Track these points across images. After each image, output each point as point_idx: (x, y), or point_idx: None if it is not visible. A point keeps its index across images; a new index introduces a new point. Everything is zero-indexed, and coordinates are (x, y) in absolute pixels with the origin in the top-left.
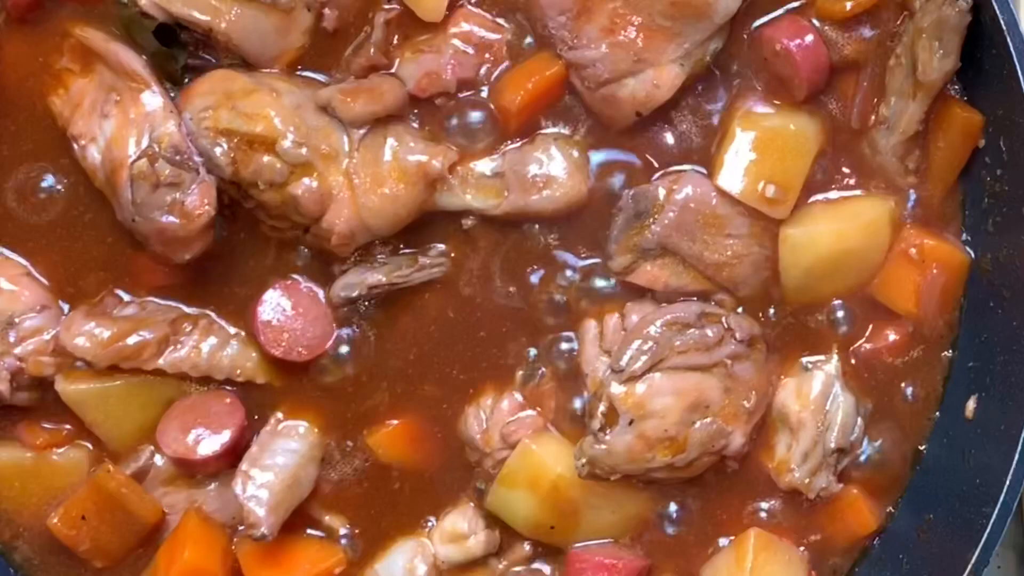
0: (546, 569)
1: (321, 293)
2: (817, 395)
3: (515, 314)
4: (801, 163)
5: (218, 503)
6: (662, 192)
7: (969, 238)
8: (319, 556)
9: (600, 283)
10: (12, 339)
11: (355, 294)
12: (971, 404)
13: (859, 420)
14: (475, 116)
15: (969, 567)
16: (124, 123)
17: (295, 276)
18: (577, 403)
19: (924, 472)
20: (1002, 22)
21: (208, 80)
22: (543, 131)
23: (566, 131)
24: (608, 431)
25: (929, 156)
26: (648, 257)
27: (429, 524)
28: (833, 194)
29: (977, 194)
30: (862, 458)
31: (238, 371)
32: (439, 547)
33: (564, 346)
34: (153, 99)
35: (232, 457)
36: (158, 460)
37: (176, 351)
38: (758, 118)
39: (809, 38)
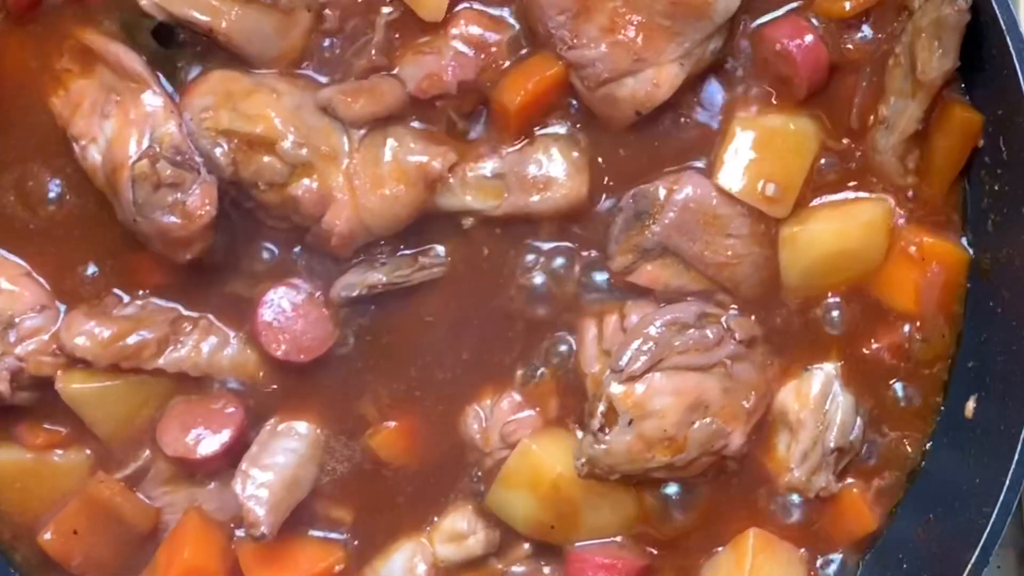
0: (546, 569)
1: (321, 294)
2: (816, 395)
3: (515, 314)
4: (801, 162)
5: (218, 502)
6: (662, 192)
7: (969, 238)
8: (319, 555)
9: (600, 283)
10: (12, 339)
11: (355, 294)
12: (971, 404)
13: (858, 420)
14: (475, 117)
15: (969, 567)
16: (124, 123)
17: (295, 277)
18: (576, 403)
19: (924, 472)
20: (1002, 22)
21: (208, 80)
22: (543, 132)
23: (566, 132)
24: (607, 431)
25: (929, 156)
26: (648, 257)
27: (429, 524)
28: (833, 194)
29: (977, 194)
30: (862, 458)
31: (238, 371)
32: (439, 547)
33: (564, 346)
34: (154, 99)
35: (232, 457)
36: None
37: (176, 351)
38: (758, 118)
39: (809, 38)
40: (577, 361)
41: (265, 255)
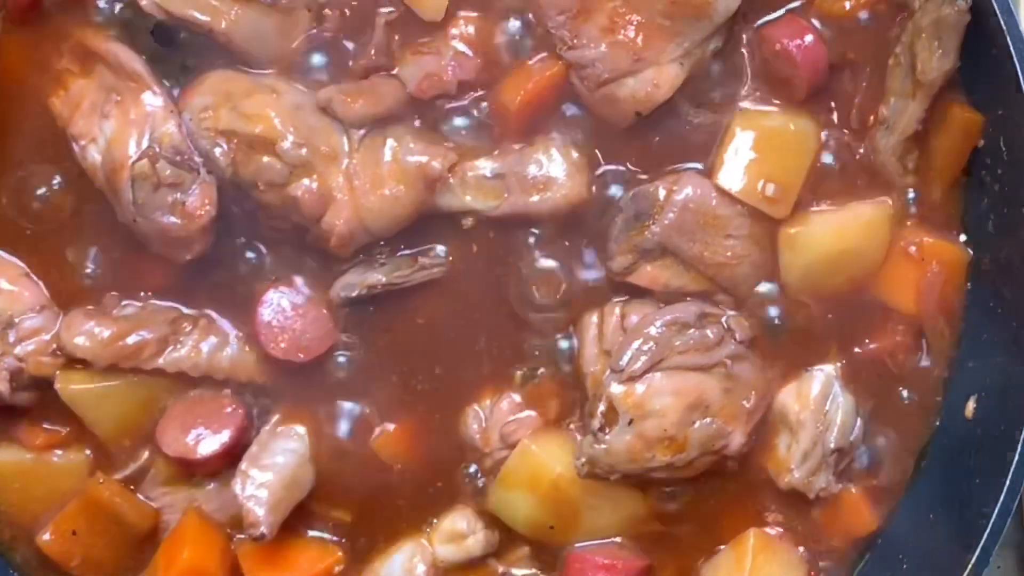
0: (545, 570)
1: (321, 294)
2: (817, 395)
3: (514, 314)
4: (801, 162)
5: (217, 503)
6: (662, 192)
7: (969, 238)
8: (318, 556)
9: (600, 283)
10: (12, 339)
11: (355, 294)
12: (971, 404)
13: (859, 420)
14: (475, 117)
15: (969, 567)
16: (124, 124)
17: (295, 277)
18: (576, 403)
19: (924, 472)
20: (1002, 22)
21: (208, 80)
22: (543, 132)
23: (566, 132)
24: (608, 431)
25: (929, 156)
26: (648, 258)
27: (429, 524)
28: (832, 194)
29: (977, 194)
30: (862, 458)
31: (238, 371)
32: (438, 547)
33: (564, 346)
34: (153, 99)
35: (232, 457)
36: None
37: (176, 351)
38: (758, 118)
39: (809, 38)
40: (577, 361)
41: (264, 255)
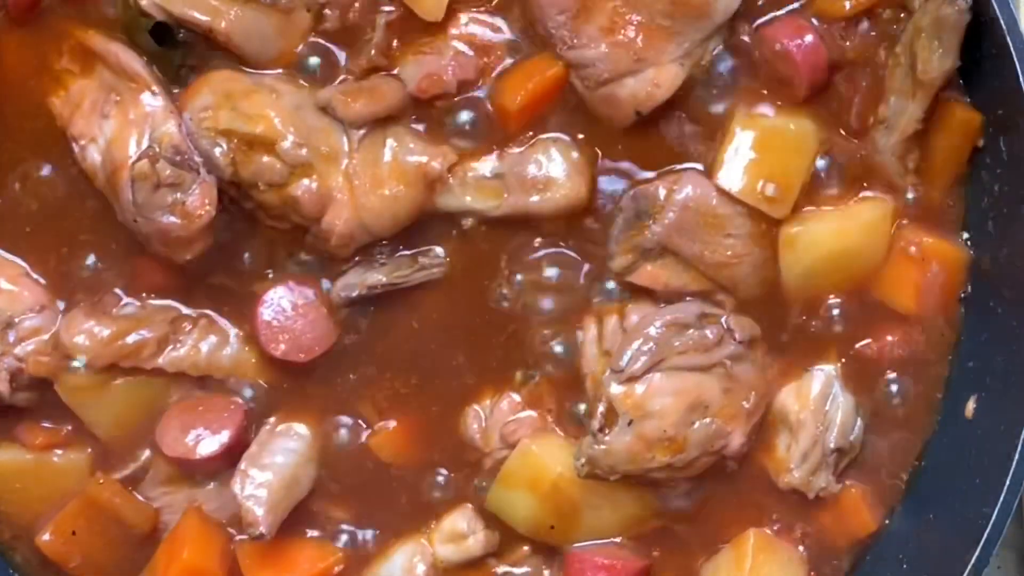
0: (546, 571)
1: (321, 294)
2: (817, 395)
3: (514, 314)
4: (801, 162)
5: (217, 502)
6: (662, 192)
7: (969, 238)
8: (318, 556)
9: (600, 283)
10: (12, 339)
11: (354, 294)
12: (971, 404)
13: (859, 420)
14: (475, 117)
15: (969, 567)
16: (124, 124)
17: (295, 277)
18: (576, 403)
19: (924, 472)
20: (1002, 22)
21: (208, 81)
22: (543, 132)
23: (566, 132)
24: (607, 431)
25: (929, 156)
26: (648, 257)
27: (429, 524)
28: (833, 194)
29: (977, 194)
30: (862, 458)
31: (238, 371)
32: (438, 547)
33: (563, 346)
34: (153, 100)
35: (231, 457)
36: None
37: (176, 350)
38: (758, 118)
39: (809, 38)
40: (577, 361)
41: (264, 255)
